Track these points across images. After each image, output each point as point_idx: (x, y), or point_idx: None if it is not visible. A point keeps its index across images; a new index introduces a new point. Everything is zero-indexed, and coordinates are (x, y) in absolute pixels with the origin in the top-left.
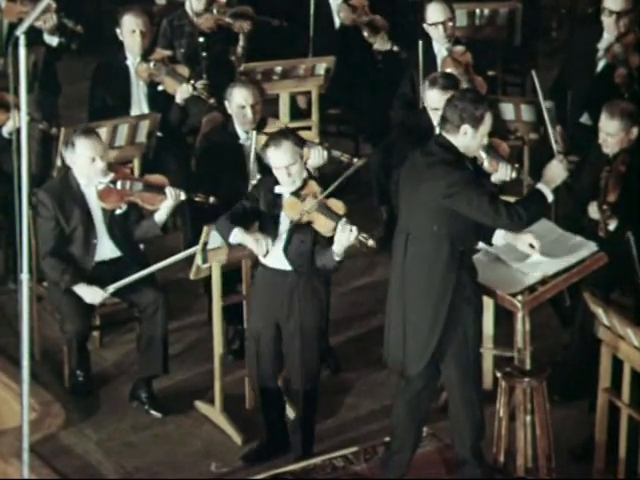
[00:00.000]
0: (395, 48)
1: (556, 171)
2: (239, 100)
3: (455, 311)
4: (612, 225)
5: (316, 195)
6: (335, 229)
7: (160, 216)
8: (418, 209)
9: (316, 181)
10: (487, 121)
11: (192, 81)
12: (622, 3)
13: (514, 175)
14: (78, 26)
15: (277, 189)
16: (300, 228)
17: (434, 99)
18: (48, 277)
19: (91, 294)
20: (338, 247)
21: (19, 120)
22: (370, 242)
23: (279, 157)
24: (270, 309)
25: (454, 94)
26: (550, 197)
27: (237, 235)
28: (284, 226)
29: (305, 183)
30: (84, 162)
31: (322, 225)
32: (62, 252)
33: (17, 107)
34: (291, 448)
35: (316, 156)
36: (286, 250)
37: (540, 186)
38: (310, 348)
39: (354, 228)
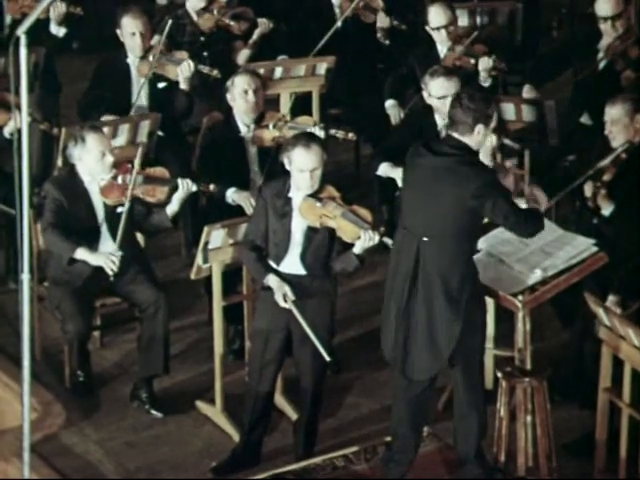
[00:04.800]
0: (395, 23)
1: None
2: (242, 85)
3: (469, 310)
4: (607, 210)
5: (336, 199)
6: (360, 236)
7: (172, 209)
8: (438, 211)
9: (333, 186)
10: (495, 117)
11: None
12: (612, 8)
13: (495, 142)
14: (78, 8)
15: (291, 193)
16: (317, 233)
17: (440, 87)
18: (49, 248)
19: (95, 256)
20: (359, 249)
21: (20, 121)
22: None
23: (308, 159)
24: (282, 312)
25: (460, 95)
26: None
27: (271, 279)
28: (299, 231)
29: (322, 187)
30: (95, 157)
31: (347, 232)
32: (64, 227)
33: (18, 107)
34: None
35: None
36: (303, 256)
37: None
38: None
39: (377, 234)
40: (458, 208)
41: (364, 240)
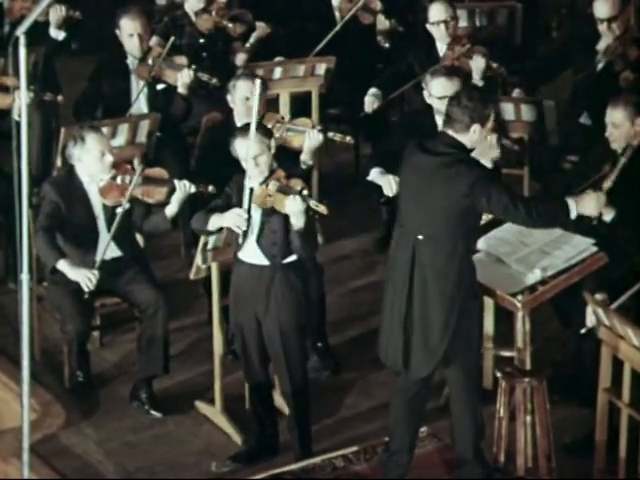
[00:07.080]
0: (393, 24)
1: (590, 202)
2: (244, 92)
3: (464, 309)
4: (608, 216)
5: (279, 179)
6: (286, 203)
7: (171, 210)
8: (432, 210)
9: (283, 169)
10: (492, 117)
11: (193, 66)
12: (609, 10)
13: (494, 142)
14: (77, 12)
15: (247, 183)
16: (271, 218)
17: (440, 87)
18: (37, 251)
19: (74, 271)
20: (293, 220)
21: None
22: (321, 208)
23: (246, 148)
24: (249, 304)
25: (460, 93)
26: (573, 214)
27: (214, 220)
28: (257, 218)
29: (272, 172)
30: (95, 157)
31: (281, 203)
32: (56, 233)
33: (17, 87)
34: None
35: (312, 138)
36: (259, 241)
37: (569, 200)
38: (291, 345)
39: (302, 198)
40: (451, 207)
41: (291, 206)
